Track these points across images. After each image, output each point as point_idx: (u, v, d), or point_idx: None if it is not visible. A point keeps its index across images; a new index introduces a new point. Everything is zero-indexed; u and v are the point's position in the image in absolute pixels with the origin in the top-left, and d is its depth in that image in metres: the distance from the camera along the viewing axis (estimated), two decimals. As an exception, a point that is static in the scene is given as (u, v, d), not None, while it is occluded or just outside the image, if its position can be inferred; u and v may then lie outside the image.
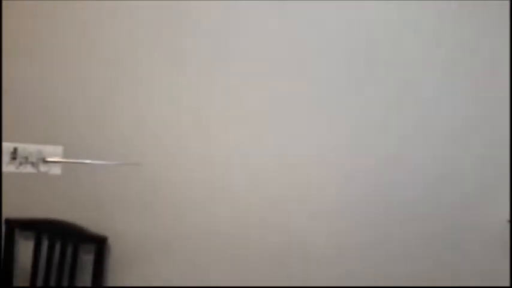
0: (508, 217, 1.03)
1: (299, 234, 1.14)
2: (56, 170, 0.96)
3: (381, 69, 1.07)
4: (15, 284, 1.21)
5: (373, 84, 1.09)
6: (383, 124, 1.07)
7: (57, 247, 1.22)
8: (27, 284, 1.24)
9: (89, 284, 1.23)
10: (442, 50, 1.12)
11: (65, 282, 1.21)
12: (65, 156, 0.97)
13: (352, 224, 1.14)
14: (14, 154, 0.95)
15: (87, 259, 1.27)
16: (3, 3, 1.07)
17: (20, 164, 0.95)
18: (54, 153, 0.96)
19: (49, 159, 0.96)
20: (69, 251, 1.24)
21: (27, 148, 0.95)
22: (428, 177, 1.05)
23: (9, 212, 1.16)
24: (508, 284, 1.01)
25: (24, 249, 1.23)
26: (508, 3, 1.02)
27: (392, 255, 1.11)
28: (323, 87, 1.09)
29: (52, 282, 1.22)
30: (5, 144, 0.95)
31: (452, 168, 1.04)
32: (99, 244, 1.16)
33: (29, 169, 0.95)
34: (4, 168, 0.95)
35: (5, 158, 0.96)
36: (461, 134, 1.07)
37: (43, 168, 0.96)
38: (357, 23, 1.06)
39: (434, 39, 1.08)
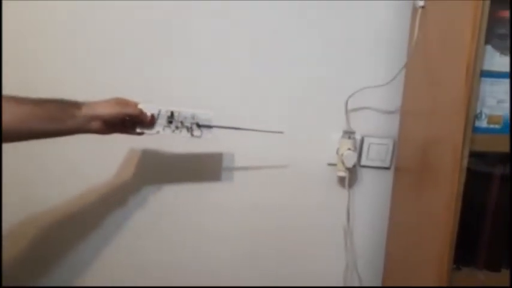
0: (327, 161, 1.17)
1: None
2: (208, 135, 0.96)
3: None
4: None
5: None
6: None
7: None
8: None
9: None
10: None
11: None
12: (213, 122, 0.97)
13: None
14: (171, 118, 0.94)
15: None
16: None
17: (176, 127, 0.95)
18: (206, 118, 0.96)
19: (203, 124, 0.96)
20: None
21: (182, 112, 0.94)
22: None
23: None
24: None
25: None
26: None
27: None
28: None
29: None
30: (162, 108, 0.94)
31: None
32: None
33: (184, 133, 0.95)
34: (161, 132, 0.94)
35: (162, 121, 0.94)
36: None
37: (196, 132, 0.95)
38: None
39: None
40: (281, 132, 1.07)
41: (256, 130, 1.05)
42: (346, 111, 1.13)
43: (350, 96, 1.11)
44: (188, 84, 1.14)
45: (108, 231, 1.23)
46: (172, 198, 1.21)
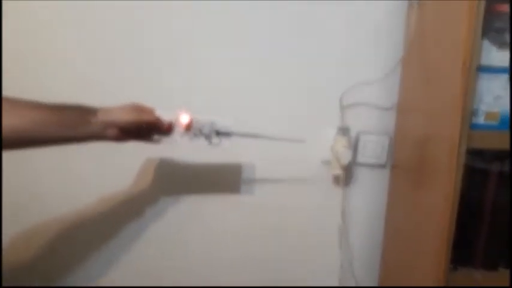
0: (321, 158, 1.16)
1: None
2: (226, 143, 0.94)
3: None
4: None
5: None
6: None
7: None
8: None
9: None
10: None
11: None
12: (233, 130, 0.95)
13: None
14: (189, 126, 0.92)
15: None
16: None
17: (194, 135, 0.93)
18: (225, 126, 0.94)
19: (221, 132, 0.94)
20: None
21: (200, 120, 0.93)
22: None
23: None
24: None
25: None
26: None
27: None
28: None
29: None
30: (183, 116, 0.92)
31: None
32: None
33: (202, 141, 0.93)
34: (179, 140, 0.92)
35: (181, 129, 0.92)
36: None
37: (215, 140, 0.94)
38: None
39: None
40: (303, 141, 1.04)
41: (277, 139, 1.01)
42: (341, 108, 1.12)
43: (345, 92, 1.10)
44: (181, 87, 1.13)
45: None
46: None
